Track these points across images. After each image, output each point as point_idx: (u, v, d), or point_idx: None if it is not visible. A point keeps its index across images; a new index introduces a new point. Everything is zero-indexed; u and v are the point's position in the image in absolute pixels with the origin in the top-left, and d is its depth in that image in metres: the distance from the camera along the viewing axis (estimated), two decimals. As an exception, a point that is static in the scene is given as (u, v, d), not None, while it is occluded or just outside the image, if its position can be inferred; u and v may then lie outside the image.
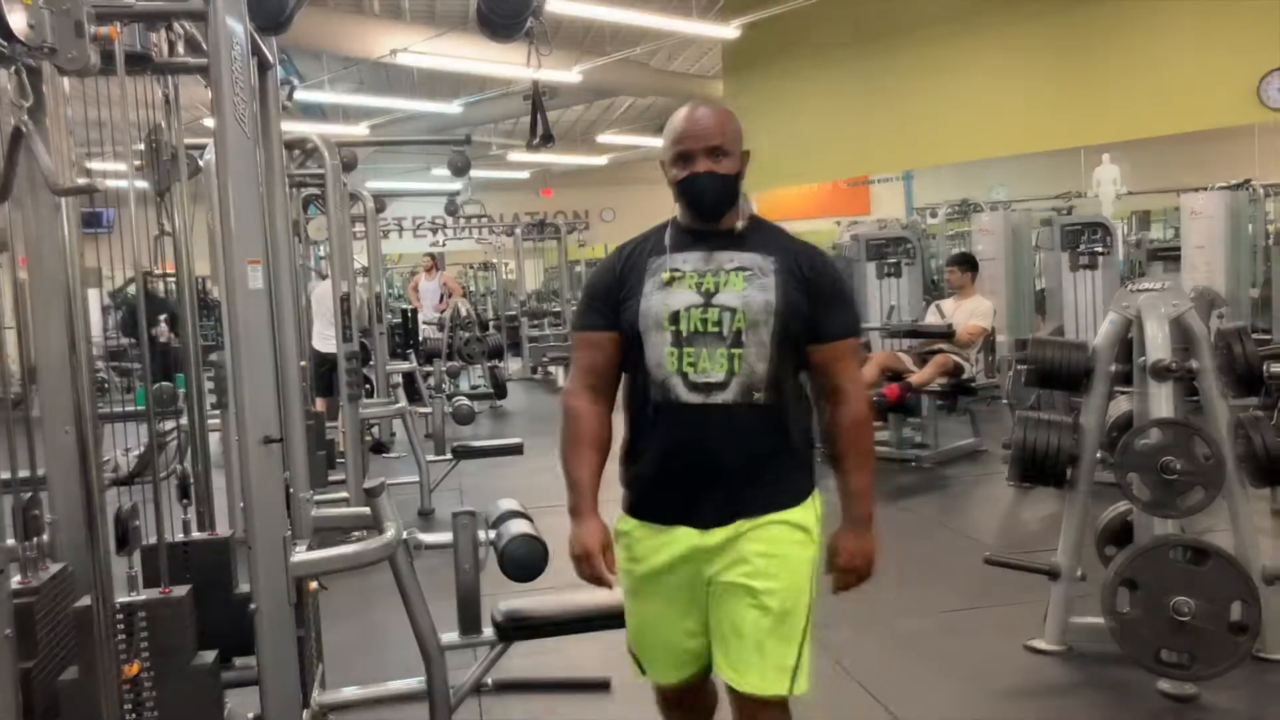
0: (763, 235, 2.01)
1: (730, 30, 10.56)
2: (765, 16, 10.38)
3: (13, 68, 1.85)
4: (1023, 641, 3.43)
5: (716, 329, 1.92)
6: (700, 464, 1.95)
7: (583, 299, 2.10)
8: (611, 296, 2.02)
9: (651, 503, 2.02)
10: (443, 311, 10.99)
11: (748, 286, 1.93)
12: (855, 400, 2.02)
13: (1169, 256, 9.33)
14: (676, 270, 1.95)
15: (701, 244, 1.98)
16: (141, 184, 2.78)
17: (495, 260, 16.69)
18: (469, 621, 3.08)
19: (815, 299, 1.96)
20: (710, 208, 1.97)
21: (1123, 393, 4.03)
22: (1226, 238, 8.05)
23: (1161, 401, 3.12)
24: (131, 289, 9.28)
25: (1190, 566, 2.95)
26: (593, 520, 1.99)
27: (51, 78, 2.03)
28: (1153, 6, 9.36)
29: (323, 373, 6.68)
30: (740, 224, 2.00)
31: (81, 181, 1.80)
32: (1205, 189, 8.78)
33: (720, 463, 1.94)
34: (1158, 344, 3.15)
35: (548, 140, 2.45)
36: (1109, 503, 3.59)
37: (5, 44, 1.79)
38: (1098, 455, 3.38)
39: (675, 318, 1.92)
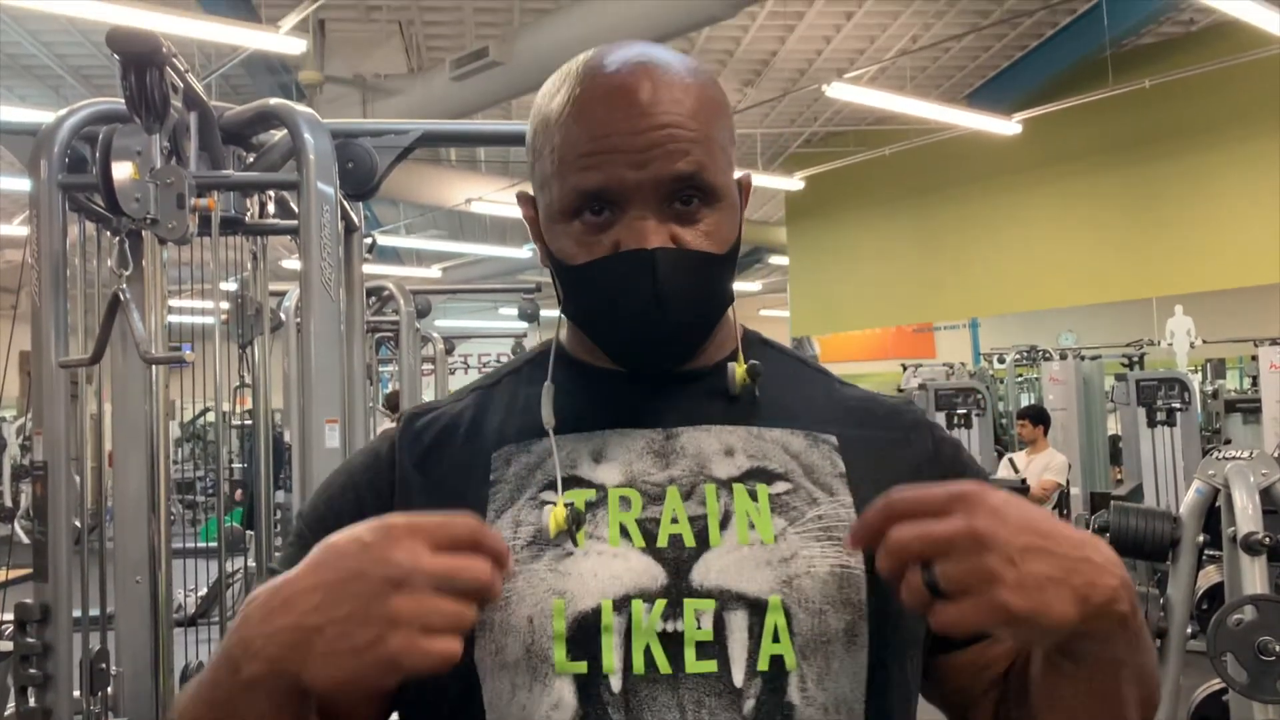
0: (784, 380, 0.89)
1: (795, 182, 10.80)
2: (828, 169, 10.62)
3: (116, 237, 1.94)
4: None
5: (710, 667, 0.76)
6: None
7: (287, 549, 0.88)
8: None
9: None
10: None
11: (791, 531, 0.79)
12: None
13: (1248, 408, 9.08)
14: (585, 486, 0.81)
15: (644, 406, 0.85)
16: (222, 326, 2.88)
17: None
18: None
19: None
20: (670, 330, 0.81)
21: (1211, 557, 3.86)
22: (1310, 391, 7.82)
23: (1255, 576, 2.98)
24: (203, 419, 9.52)
25: (1295, 755, 2.76)
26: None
27: (151, 245, 2.12)
28: (1214, 158, 9.39)
29: (386, 513, 6.69)
30: (732, 361, 0.87)
31: (170, 352, 1.86)
32: (1282, 341, 8.60)
33: None
34: (1248, 515, 3.03)
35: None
36: (1201, 673, 3.39)
37: (111, 215, 1.88)
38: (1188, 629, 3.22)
39: (584, 634, 0.75)
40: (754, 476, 0.81)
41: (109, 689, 2.22)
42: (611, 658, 0.74)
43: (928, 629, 0.81)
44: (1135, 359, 10.42)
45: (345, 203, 2.49)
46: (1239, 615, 2.92)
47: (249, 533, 4.38)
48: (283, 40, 5.99)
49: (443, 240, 14.33)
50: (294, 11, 5.94)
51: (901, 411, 0.92)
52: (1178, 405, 6.39)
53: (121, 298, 1.81)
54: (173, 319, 2.41)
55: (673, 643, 0.75)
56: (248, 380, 3.01)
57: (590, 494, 0.80)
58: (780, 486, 0.81)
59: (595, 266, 0.80)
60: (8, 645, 2.29)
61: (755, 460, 0.82)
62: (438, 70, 7.98)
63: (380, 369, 6.98)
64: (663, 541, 0.77)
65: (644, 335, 0.81)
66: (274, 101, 2.17)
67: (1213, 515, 3.24)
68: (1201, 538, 3.19)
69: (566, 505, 0.77)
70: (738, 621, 0.75)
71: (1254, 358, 8.98)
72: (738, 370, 0.85)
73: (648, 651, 0.74)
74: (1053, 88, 9.43)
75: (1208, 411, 9.58)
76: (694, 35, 8.81)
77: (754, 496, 0.80)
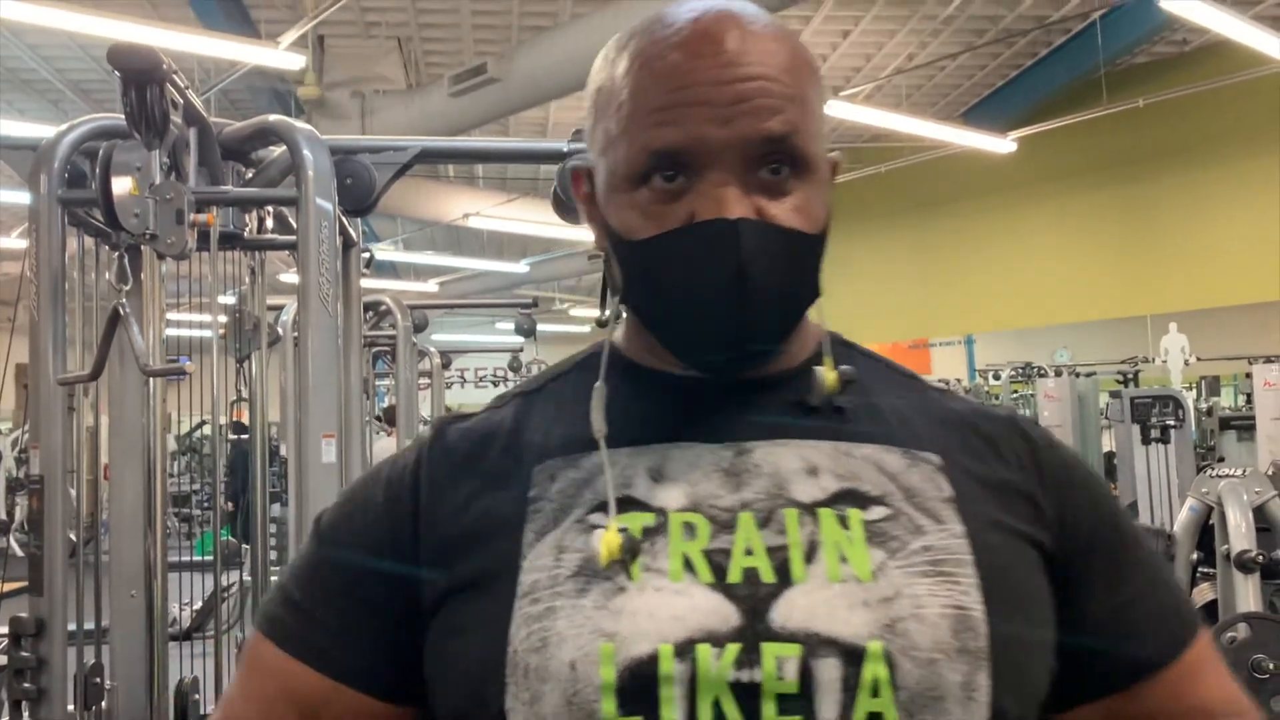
0: (874, 388, 0.77)
1: (791, 197, 10.80)
2: (826, 184, 10.64)
3: (115, 253, 1.95)
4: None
5: None
6: None
7: (301, 566, 0.78)
8: (391, 583, 0.73)
9: None
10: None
11: (891, 565, 0.66)
12: None
13: (1242, 426, 9.11)
14: (642, 509, 0.69)
15: (712, 417, 0.73)
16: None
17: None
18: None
19: (1085, 560, 0.75)
20: (753, 321, 0.69)
21: (1205, 575, 3.87)
22: (1303, 410, 7.85)
23: (1248, 593, 3.00)
24: (198, 432, 9.50)
25: (1289, 773, 2.76)
26: None
27: (150, 259, 2.13)
28: (1208, 177, 9.45)
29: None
30: (816, 364, 0.75)
31: (169, 364, 1.87)
32: (1276, 359, 8.63)
33: None
34: (1241, 533, 3.05)
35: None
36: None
37: (111, 230, 1.89)
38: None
39: (637, 685, 0.62)
40: (844, 500, 0.68)
41: (103, 703, 2.21)
42: (672, 712, 0.61)
43: (1053, 678, 0.71)
44: (1130, 376, 10.45)
45: (343, 218, 2.50)
46: (1232, 633, 2.93)
47: (244, 546, 4.38)
48: (282, 56, 6.02)
49: (440, 255, 14.36)
50: (293, 27, 5.96)
51: (1015, 425, 0.78)
52: (1172, 423, 6.41)
53: (121, 312, 1.82)
54: (170, 332, 2.42)
55: (748, 695, 0.61)
56: (244, 394, 3.02)
57: (648, 519, 0.67)
58: (876, 512, 0.68)
59: (665, 241, 0.68)
60: (2, 659, 2.29)
61: (845, 481, 0.69)
62: (436, 86, 8.01)
63: (377, 383, 6.98)
64: (735, 576, 0.64)
65: (721, 327, 0.68)
66: (273, 118, 2.18)
67: (1206, 533, 3.26)
68: (1195, 555, 3.20)
69: (620, 530, 0.65)
70: (828, 671, 0.62)
71: (1248, 375, 9.00)
72: (827, 375, 0.72)
73: (717, 706, 0.61)
74: (1048, 106, 9.48)
75: (1202, 429, 9.60)
76: (691, 52, 8.85)
77: (845, 524, 0.67)
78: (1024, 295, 11.05)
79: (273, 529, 4.68)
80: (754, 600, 0.63)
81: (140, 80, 1.71)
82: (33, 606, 2.03)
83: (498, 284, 14.90)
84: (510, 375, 17.15)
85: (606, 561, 0.64)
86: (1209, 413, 9.93)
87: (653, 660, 0.62)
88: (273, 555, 4.66)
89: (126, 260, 1.94)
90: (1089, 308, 10.66)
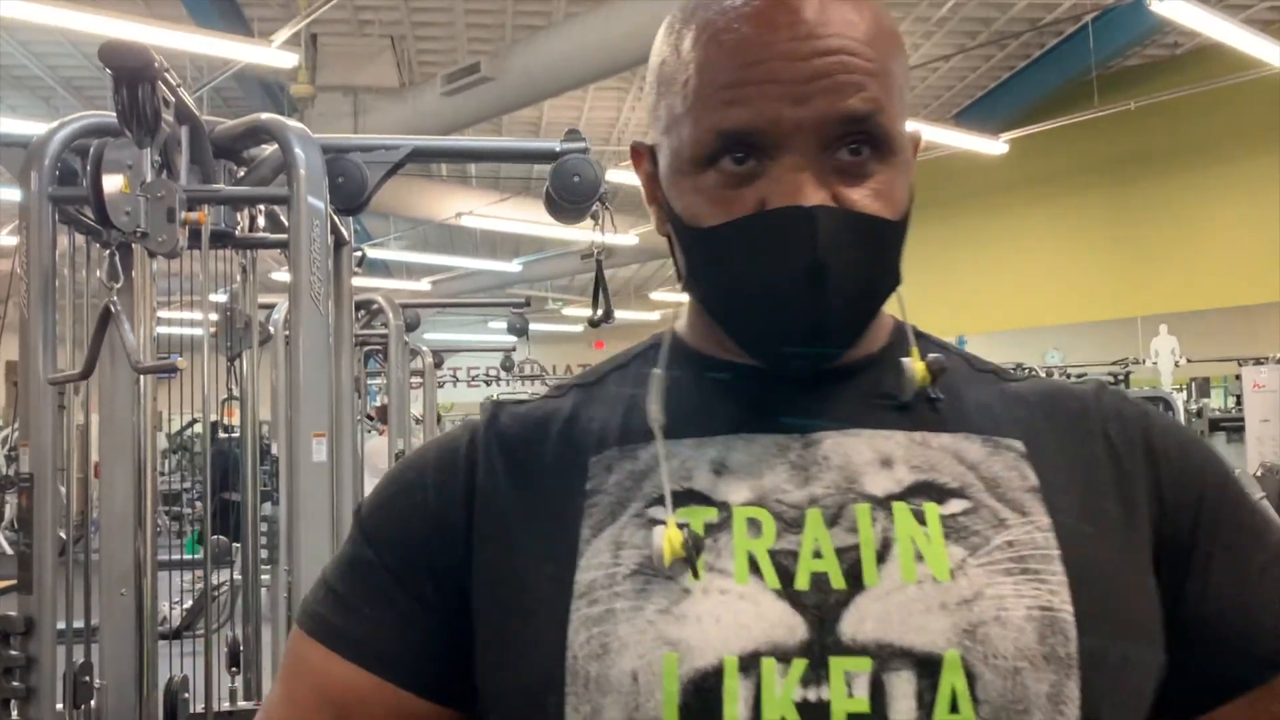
0: (951, 378, 0.70)
1: (784, 197, 10.82)
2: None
3: (106, 251, 1.95)
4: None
5: None
6: None
7: (343, 557, 0.73)
8: (439, 575, 0.68)
9: None
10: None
11: (972, 563, 0.61)
12: None
13: (1232, 427, 9.15)
14: (704, 503, 0.64)
15: (778, 406, 0.68)
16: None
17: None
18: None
19: (1195, 548, 0.66)
20: (828, 314, 0.64)
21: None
22: (1293, 411, 7.90)
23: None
24: (189, 430, 9.48)
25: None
26: None
27: (141, 257, 2.13)
28: (1198, 179, 9.49)
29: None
30: (896, 356, 0.71)
31: (160, 362, 1.87)
32: (1265, 361, 8.68)
33: None
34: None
35: (608, 318, 2.44)
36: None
37: (101, 228, 1.89)
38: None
39: (701, 700, 0.58)
40: (920, 493, 0.63)
41: (92, 702, 2.21)
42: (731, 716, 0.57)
43: (1163, 682, 0.63)
44: (1120, 377, 10.49)
45: (335, 217, 2.50)
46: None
47: (235, 545, 4.37)
48: (275, 54, 6.01)
49: (433, 254, 14.35)
50: (286, 26, 5.96)
51: (1099, 400, 0.70)
52: (1162, 424, 6.44)
53: (112, 310, 1.82)
54: (161, 330, 2.42)
55: (816, 715, 0.57)
56: (235, 393, 3.01)
57: (710, 514, 0.63)
58: (955, 505, 0.63)
59: (733, 229, 0.63)
60: (-9, 657, 2.28)
61: (921, 472, 0.64)
62: (429, 85, 8.01)
63: (369, 382, 6.98)
64: (802, 582, 0.60)
65: (793, 322, 0.63)
66: (265, 116, 2.18)
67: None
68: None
69: (681, 526, 0.61)
70: (902, 686, 0.57)
71: (1238, 377, 9.05)
72: (916, 366, 0.68)
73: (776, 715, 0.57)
74: (1039, 108, 9.51)
75: (1194, 431, 9.63)
76: (684, 53, 8.86)
77: (921, 519, 0.62)
78: (1015, 296, 11.08)
79: (264, 528, 4.68)
80: (822, 610, 0.59)
81: (132, 78, 1.70)
82: (22, 605, 2.02)
83: (490, 283, 14.90)
84: (503, 375, 17.21)
85: (669, 561, 0.60)
86: (1199, 414, 9.98)
87: (717, 675, 0.58)
88: (263, 554, 4.66)
89: (117, 258, 1.94)
90: (1080, 309, 10.70)
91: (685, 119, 0.64)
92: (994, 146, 9.02)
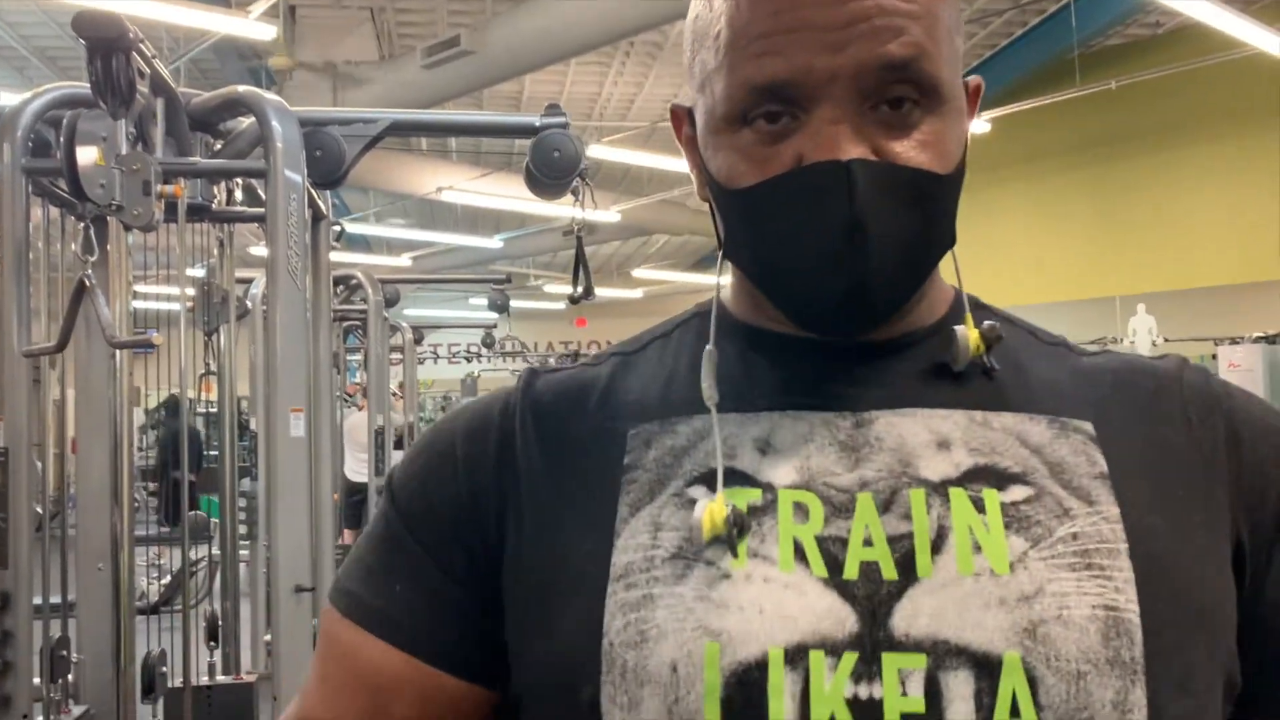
0: (1015, 352, 0.67)
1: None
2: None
3: (81, 223, 1.93)
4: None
5: None
6: None
7: (373, 530, 0.71)
8: (472, 551, 0.66)
9: None
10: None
11: (1033, 555, 0.57)
12: None
13: (1207, 406, 9.27)
14: (747, 483, 0.61)
15: (827, 382, 0.65)
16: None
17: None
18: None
19: (1275, 546, 0.61)
20: (868, 275, 0.60)
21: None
22: (1268, 391, 8.00)
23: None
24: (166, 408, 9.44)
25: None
26: None
27: (116, 231, 2.11)
28: (1178, 160, 9.55)
29: (353, 503, 6.69)
30: (953, 325, 0.66)
31: (136, 336, 1.86)
32: (1241, 340, 8.77)
33: None
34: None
35: (588, 295, 2.44)
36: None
37: (76, 200, 1.87)
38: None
39: (745, 694, 0.55)
40: (979, 478, 0.59)
41: (69, 676, 2.21)
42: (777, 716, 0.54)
43: (1239, 689, 0.59)
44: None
45: (313, 190, 2.48)
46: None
47: (214, 520, 4.37)
48: (253, 25, 5.94)
49: (412, 229, 14.28)
50: (264, -4, 5.89)
51: (1179, 379, 0.65)
52: (1138, 402, 6.51)
53: (87, 284, 1.81)
54: (138, 304, 2.40)
55: (867, 714, 0.53)
56: (213, 368, 3.00)
57: (753, 495, 0.59)
58: (1017, 492, 0.58)
59: (767, 188, 0.59)
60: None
61: (980, 456, 0.60)
62: (409, 58, 7.94)
63: (348, 358, 6.96)
64: (851, 571, 0.56)
65: (835, 283, 0.59)
66: (242, 89, 2.16)
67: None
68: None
69: (726, 504, 0.57)
70: (960, 686, 0.53)
71: (1214, 356, 9.14)
72: (970, 335, 0.63)
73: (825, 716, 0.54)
74: (1021, 87, 9.52)
75: (1168, 409, 9.75)
76: (667, 29, 8.82)
77: (980, 506, 0.58)
78: (994, 275, 11.13)
79: (242, 503, 4.67)
80: (874, 602, 0.55)
81: (106, 48, 1.68)
82: (-2, 579, 2.02)
83: (471, 259, 14.85)
84: (483, 351, 17.20)
85: (709, 535, 0.56)
86: (1175, 393, 10.08)
87: (762, 667, 0.54)
88: (242, 530, 4.66)
89: (92, 231, 1.93)
90: (1059, 288, 10.77)
91: (717, 75, 0.60)
92: (975, 125, 9.02)
